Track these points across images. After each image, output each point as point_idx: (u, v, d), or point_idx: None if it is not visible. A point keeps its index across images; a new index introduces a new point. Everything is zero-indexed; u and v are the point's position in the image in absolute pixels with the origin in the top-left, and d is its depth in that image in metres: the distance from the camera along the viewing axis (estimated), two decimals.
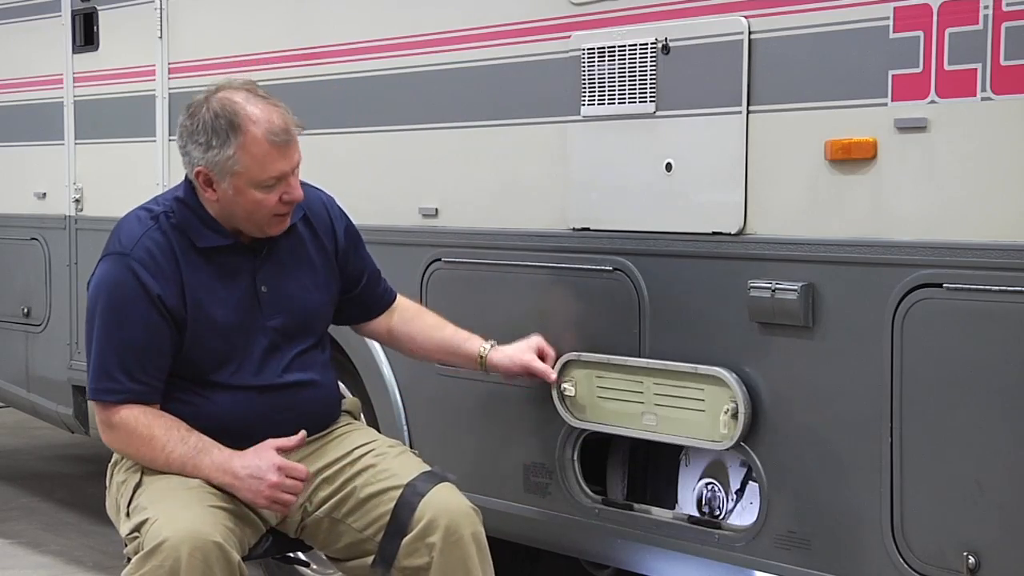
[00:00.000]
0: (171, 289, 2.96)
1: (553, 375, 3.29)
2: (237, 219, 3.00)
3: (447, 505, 2.95)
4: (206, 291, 3.00)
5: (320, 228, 3.19)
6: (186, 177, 3.06)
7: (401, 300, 3.41)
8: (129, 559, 2.86)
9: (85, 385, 4.98)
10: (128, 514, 2.90)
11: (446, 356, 3.37)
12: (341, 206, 3.29)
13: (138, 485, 2.93)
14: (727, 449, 3.08)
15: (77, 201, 5.11)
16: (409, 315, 3.38)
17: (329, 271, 3.20)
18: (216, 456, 2.92)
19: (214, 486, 2.91)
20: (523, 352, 3.28)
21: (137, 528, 2.82)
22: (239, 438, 2.97)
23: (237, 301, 3.03)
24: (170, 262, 2.97)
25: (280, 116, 2.95)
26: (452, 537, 2.91)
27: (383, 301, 3.36)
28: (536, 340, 3.30)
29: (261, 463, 2.89)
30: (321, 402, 3.17)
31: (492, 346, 3.28)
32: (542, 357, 3.29)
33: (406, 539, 2.94)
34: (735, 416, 3.02)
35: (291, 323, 3.09)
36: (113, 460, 3.11)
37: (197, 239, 3.00)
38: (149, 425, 2.94)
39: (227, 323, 3.01)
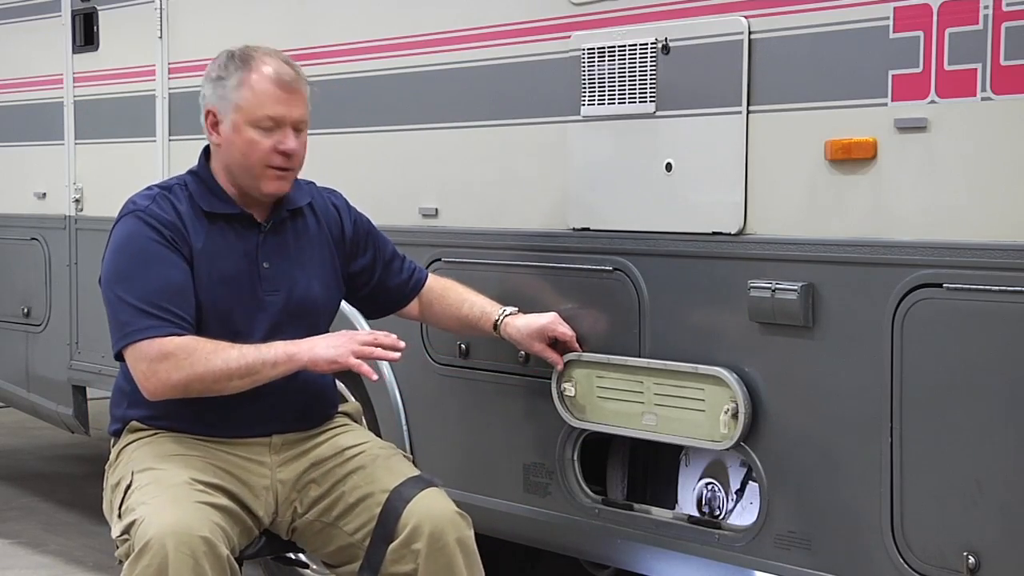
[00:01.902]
0: (178, 240, 3.00)
1: (561, 363, 3.31)
2: (235, 166, 3.04)
3: (431, 511, 2.94)
4: (209, 257, 3.02)
5: (327, 222, 3.22)
6: (201, 152, 3.13)
7: (430, 279, 3.43)
8: (121, 561, 2.86)
9: (85, 385, 5.07)
10: (120, 515, 2.89)
11: (468, 334, 3.44)
12: (347, 199, 3.32)
13: (129, 486, 2.91)
14: (727, 449, 3.08)
15: (77, 201, 5.11)
16: (434, 296, 3.40)
17: (332, 266, 3.21)
18: (283, 342, 2.95)
19: (202, 483, 2.89)
20: (534, 340, 3.30)
21: (126, 530, 2.80)
22: (227, 418, 2.99)
23: (239, 272, 3.05)
24: (178, 225, 3.01)
25: (292, 67, 3.06)
26: (437, 544, 2.90)
27: (409, 286, 3.38)
28: (550, 323, 3.30)
29: (342, 335, 2.98)
30: (317, 393, 3.18)
31: (504, 319, 3.30)
32: (555, 337, 3.31)
33: (392, 546, 2.93)
34: (735, 416, 3.02)
35: (290, 304, 3.09)
36: (109, 461, 3.10)
37: (203, 204, 3.05)
38: (208, 340, 2.94)
39: (227, 292, 3.02)
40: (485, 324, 3.33)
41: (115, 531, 2.88)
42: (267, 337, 3.02)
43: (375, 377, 2.99)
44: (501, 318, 3.31)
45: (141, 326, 2.93)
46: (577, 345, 3.32)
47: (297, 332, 3.05)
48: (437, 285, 3.42)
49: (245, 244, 3.07)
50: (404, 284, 3.38)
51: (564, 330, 3.30)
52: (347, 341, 2.94)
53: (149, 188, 3.12)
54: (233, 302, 3.03)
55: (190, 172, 3.14)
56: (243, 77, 3.01)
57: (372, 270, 3.31)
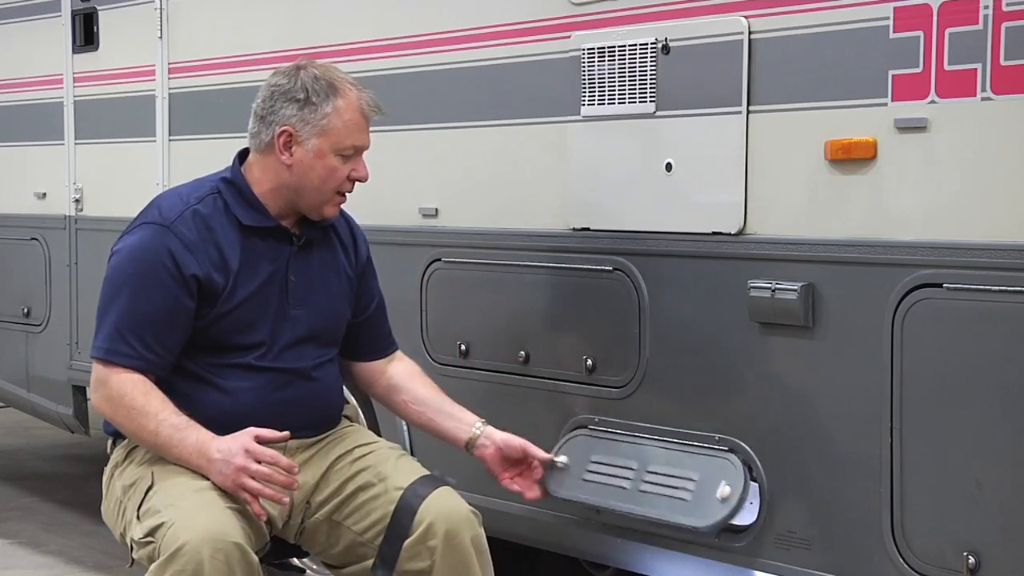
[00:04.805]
0: (207, 264, 2.96)
1: (505, 480, 3.19)
2: (304, 188, 3.01)
3: (446, 509, 2.95)
4: (244, 272, 3.00)
5: (346, 242, 3.20)
6: (236, 159, 3.09)
7: (403, 359, 3.33)
8: (133, 561, 2.86)
9: (85, 385, 5.06)
10: (139, 517, 2.86)
11: (429, 429, 3.27)
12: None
13: (150, 487, 2.89)
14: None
15: (77, 201, 5.11)
16: (408, 377, 3.28)
17: (349, 285, 3.19)
18: (200, 435, 2.89)
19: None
20: (497, 467, 3.17)
21: (151, 532, 2.78)
22: (243, 428, 2.93)
23: (268, 284, 3.03)
24: (209, 237, 2.98)
25: (371, 93, 3.06)
26: (452, 541, 2.91)
27: (384, 343, 3.31)
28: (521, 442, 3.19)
29: (232, 446, 2.85)
30: (332, 404, 3.17)
31: (480, 434, 3.16)
32: (522, 451, 3.18)
33: (407, 542, 2.93)
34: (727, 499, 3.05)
35: (312, 321, 3.09)
36: (113, 462, 3.08)
37: (242, 216, 3.02)
38: (146, 394, 2.92)
39: (257, 304, 3.01)
40: (458, 434, 3.20)
41: (135, 533, 2.84)
42: (288, 349, 3.04)
43: (264, 516, 2.89)
44: (473, 443, 3.17)
45: (105, 345, 2.96)
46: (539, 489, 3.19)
47: (314, 349, 3.08)
48: (409, 370, 3.30)
49: (276, 256, 3.05)
50: (379, 340, 3.30)
51: (535, 450, 3.18)
52: (239, 472, 2.82)
53: (183, 197, 3.04)
54: (261, 313, 3.02)
55: (223, 179, 3.07)
56: (336, 104, 2.98)
57: (362, 306, 3.26)
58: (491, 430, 3.16)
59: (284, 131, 3.00)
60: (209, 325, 2.99)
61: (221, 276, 2.97)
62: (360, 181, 3.05)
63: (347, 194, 3.07)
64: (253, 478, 2.82)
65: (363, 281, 3.24)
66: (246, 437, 2.87)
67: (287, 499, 2.92)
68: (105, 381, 2.96)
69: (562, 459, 3.22)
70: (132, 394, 2.93)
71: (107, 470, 3.11)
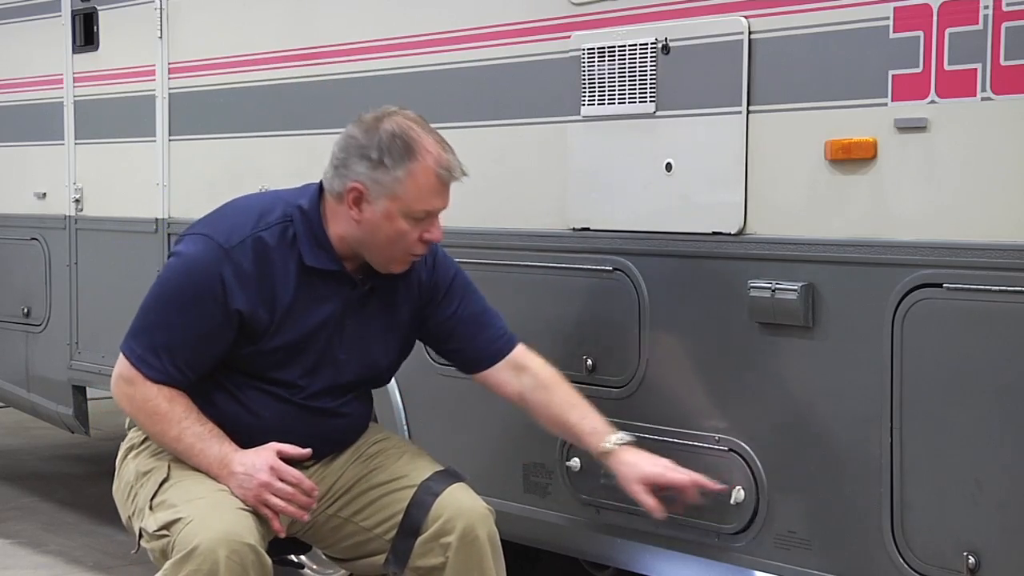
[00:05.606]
0: (255, 300, 2.89)
1: (659, 512, 2.93)
2: (372, 246, 2.92)
3: (463, 505, 2.95)
4: (296, 311, 2.93)
5: (421, 277, 3.08)
6: (318, 189, 2.97)
7: (535, 362, 3.13)
8: (139, 545, 2.87)
9: (85, 385, 5.07)
10: (152, 507, 2.87)
11: (566, 438, 3.20)
12: (445, 253, 3.16)
13: (165, 479, 2.89)
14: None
15: (77, 201, 5.11)
16: (543, 383, 3.10)
17: (406, 329, 3.10)
18: (223, 447, 2.88)
19: None
20: (632, 482, 2.95)
21: (166, 527, 2.79)
22: (259, 444, 2.93)
23: (320, 327, 2.96)
24: (265, 270, 2.90)
25: (450, 153, 2.91)
26: (468, 537, 2.91)
27: (489, 352, 3.13)
28: (660, 472, 2.96)
29: (257, 462, 2.85)
30: (353, 430, 3.14)
31: (614, 447, 2.99)
32: (664, 484, 2.95)
33: (420, 538, 2.94)
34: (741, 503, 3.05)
35: (358, 367, 3.04)
36: (130, 443, 3.06)
37: (306, 256, 2.92)
38: (171, 400, 2.91)
39: (304, 344, 2.96)
40: (593, 442, 3.04)
41: (147, 523, 2.85)
42: (325, 391, 3.00)
43: (283, 534, 2.90)
44: (612, 445, 3.00)
45: (139, 352, 2.92)
46: (691, 492, 2.96)
47: (350, 392, 3.06)
48: (546, 372, 3.13)
49: (334, 300, 2.97)
50: (483, 351, 3.14)
51: (676, 476, 2.95)
52: (262, 489, 2.83)
53: (252, 217, 2.93)
54: (305, 355, 2.97)
55: (300, 208, 2.94)
56: (409, 168, 2.85)
57: (446, 331, 3.15)
58: (618, 455, 2.97)
59: (354, 188, 2.88)
60: (252, 356, 2.95)
61: (267, 314, 2.91)
62: (433, 242, 2.95)
63: (421, 255, 2.96)
64: (276, 495, 2.83)
65: (438, 311, 3.11)
66: (269, 454, 2.87)
67: (307, 517, 2.91)
68: (131, 381, 2.94)
69: (719, 485, 3.02)
70: (157, 399, 2.92)
71: (122, 448, 3.09)
